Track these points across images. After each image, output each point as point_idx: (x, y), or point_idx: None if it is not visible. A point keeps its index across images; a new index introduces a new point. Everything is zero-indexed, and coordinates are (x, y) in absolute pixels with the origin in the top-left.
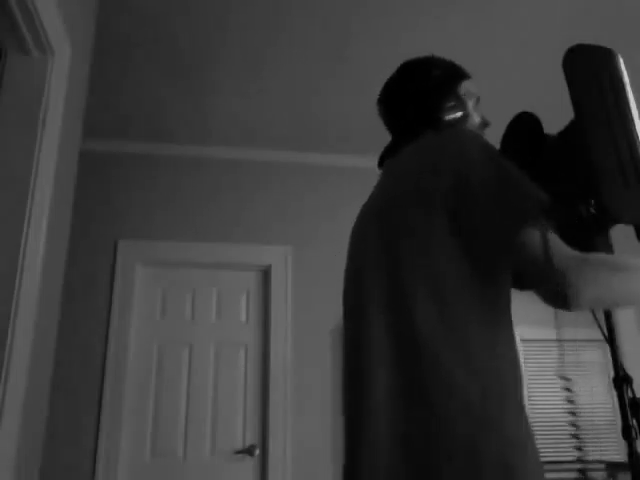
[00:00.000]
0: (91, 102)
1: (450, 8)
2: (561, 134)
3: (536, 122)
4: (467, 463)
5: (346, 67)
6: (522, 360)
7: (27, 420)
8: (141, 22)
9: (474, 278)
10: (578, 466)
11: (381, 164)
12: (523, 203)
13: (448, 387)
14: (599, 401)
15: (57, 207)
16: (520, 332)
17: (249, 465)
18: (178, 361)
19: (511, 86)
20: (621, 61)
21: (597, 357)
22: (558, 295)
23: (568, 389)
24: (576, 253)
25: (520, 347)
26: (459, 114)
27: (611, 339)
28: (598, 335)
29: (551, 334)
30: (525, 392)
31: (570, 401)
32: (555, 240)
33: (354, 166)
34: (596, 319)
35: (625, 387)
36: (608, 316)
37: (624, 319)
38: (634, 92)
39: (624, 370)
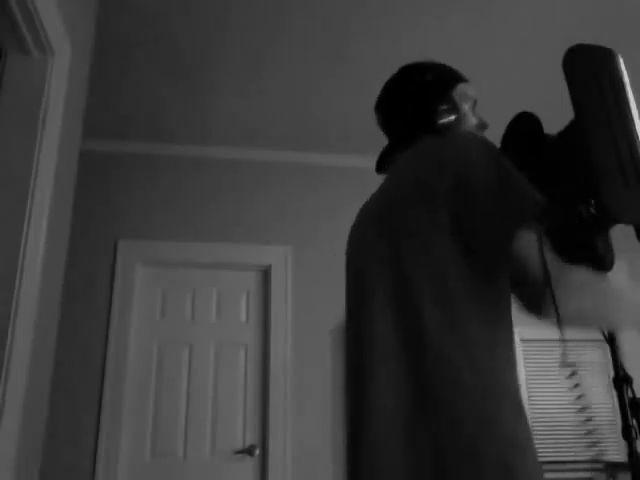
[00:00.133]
0: (91, 102)
1: (450, 8)
2: (561, 134)
3: (536, 122)
4: (469, 463)
5: (346, 67)
6: (521, 360)
7: (27, 420)
8: (141, 22)
9: (475, 278)
10: (580, 466)
11: (378, 168)
12: (522, 204)
13: (454, 386)
14: (599, 401)
15: (57, 207)
16: (520, 332)
17: (249, 465)
18: (178, 361)
19: (511, 86)
20: (621, 61)
21: (597, 357)
22: (533, 301)
23: (574, 373)
24: (563, 266)
25: (520, 347)
26: (453, 117)
27: (611, 339)
28: (598, 335)
29: (551, 334)
30: (525, 392)
31: (576, 385)
32: (546, 248)
33: (354, 166)
34: None
35: (625, 387)
36: None
37: None
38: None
39: (624, 370)
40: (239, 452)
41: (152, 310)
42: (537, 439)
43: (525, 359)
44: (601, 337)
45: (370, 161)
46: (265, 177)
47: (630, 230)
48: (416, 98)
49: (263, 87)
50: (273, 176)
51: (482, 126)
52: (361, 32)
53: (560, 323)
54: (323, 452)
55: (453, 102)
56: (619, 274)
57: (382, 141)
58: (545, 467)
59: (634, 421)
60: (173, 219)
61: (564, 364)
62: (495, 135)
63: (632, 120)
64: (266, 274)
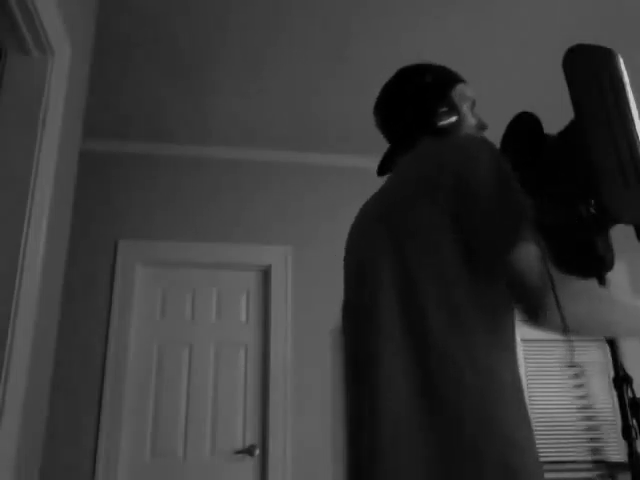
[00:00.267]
0: (91, 102)
1: (450, 8)
2: (561, 134)
3: (536, 122)
4: (470, 463)
5: (346, 67)
6: (521, 360)
7: (27, 420)
8: (141, 22)
9: (477, 279)
10: (580, 466)
11: (380, 172)
12: (520, 206)
13: (457, 387)
14: (599, 401)
15: (57, 207)
16: (520, 332)
17: (249, 465)
18: (178, 361)
19: (511, 86)
20: (621, 61)
21: (597, 357)
22: (529, 310)
23: (579, 373)
24: (560, 275)
25: (520, 347)
26: (454, 119)
27: (611, 339)
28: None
29: (551, 334)
30: (525, 392)
31: (580, 386)
32: (543, 258)
33: (354, 166)
34: None
35: (625, 387)
36: None
37: None
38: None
39: (624, 370)
40: (239, 452)
41: (152, 310)
42: (537, 439)
43: (525, 359)
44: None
45: (370, 161)
46: (265, 177)
47: (630, 230)
48: (416, 100)
49: (263, 87)
50: (273, 176)
51: (481, 127)
52: (361, 32)
53: (565, 328)
54: (323, 452)
55: (453, 103)
56: (619, 278)
57: (382, 141)
58: (545, 467)
59: (634, 421)
60: (173, 219)
61: (569, 364)
62: (495, 135)
63: (632, 120)
64: (266, 274)
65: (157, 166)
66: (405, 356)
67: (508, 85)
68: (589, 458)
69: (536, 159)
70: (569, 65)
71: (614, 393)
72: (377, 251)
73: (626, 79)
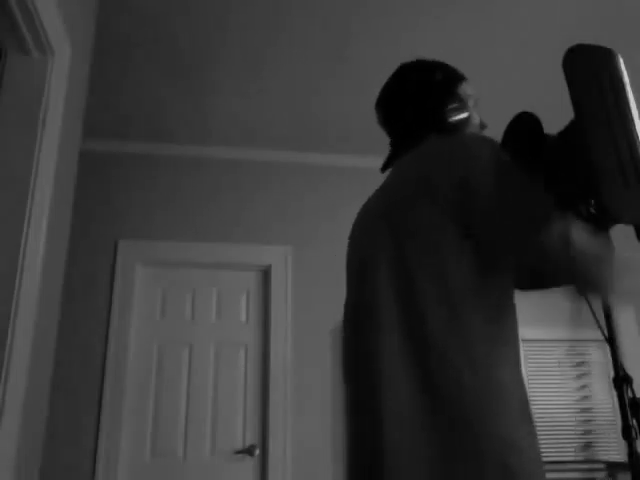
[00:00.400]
0: (91, 102)
1: (450, 8)
2: (561, 134)
3: (536, 122)
4: (471, 463)
5: (346, 67)
6: (522, 360)
7: (27, 420)
8: (141, 22)
9: (478, 278)
10: (580, 466)
11: (384, 168)
12: (541, 202)
13: (456, 386)
14: (599, 401)
15: (57, 207)
16: (520, 332)
17: (249, 465)
18: (178, 361)
19: (511, 86)
20: (621, 61)
21: (597, 357)
22: (584, 287)
23: (579, 376)
24: (595, 246)
25: (520, 347)
26: (464, 115)
27: (611, 339)
28: (598, 335)
29: (551, 334)
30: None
31: (582, 387)
32: (576, 233)
33: (354, 166)
34: (596, 319)
35: (625, 387)
36: (608, 316)
37: (624, 319)
38: (634, 92)
39: (624, 370)
40: (239, 452)
41: (152, 310)
42: (539, 439)
43: (525, 359)
44: (601, 337)
45: (370, 161)
46: (265, 177)
47: (630, 230)
48: (426, 97)
49: (263, 87)
50: (273, 176)
51: (482, 126)
52: (361, 32)
53: (614, 294)
54: (323, 452)
55: (462, 100)
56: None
57: (382, 141)
58: (546, 467)
59: (634, 421)
60: (173, 219)
61: (572, 364)
62: (495, 135)
63: (632, 120)
64: (266, 274)
65: (157, 166)
66: (405, 355)
67: (508, 85)
68: (589, 458)
69: (536, 159)
70: (569, 65)
71: (614, 393)
72: (378, 249)
73: (626, 79)
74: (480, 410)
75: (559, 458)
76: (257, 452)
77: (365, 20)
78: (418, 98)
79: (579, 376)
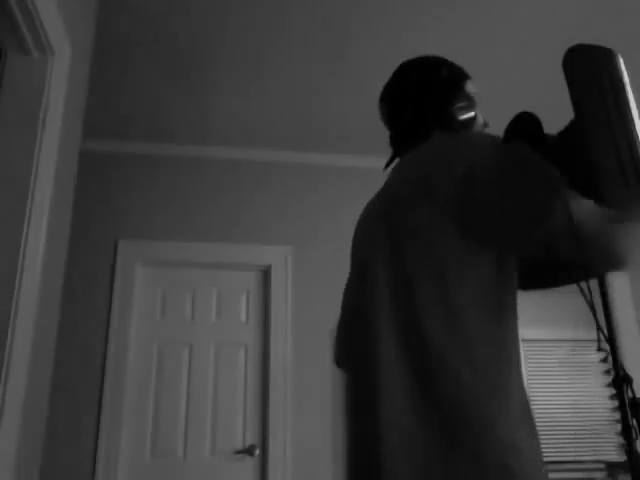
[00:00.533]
0: (91, 102)
1: (450, 8)
2: (561, 134)
3: (536, 122)
4: (472, 463)
5: (346, 67)
6: (522, 360)
7: (27, 420)
8: (141, 22)
9: (477, 278)
10: (580, 466)
11: (387, 166)
12: (544, 184)
13: (455, 386)
14: (599, 401)
15: (57, 207)
16: (520, 332)
17: (249, 465)
18: (178, 361)
19: (511, 86)
20: (621, 61)
21: (597, 357)
22: (586, 267)
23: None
24: (596, 210)
25: (520, 347)
26: (471, 115)
27: (611, 339)
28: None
29: (551, 334)
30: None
31: (581, 385)
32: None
33: (354, 166)
34: (596, 319)
35: (625, 387)
36: (608, 316)
37: (624, 319)
38: (634, 92)
39: (624, 370)
40: (239, 452)
41: (152, 310)
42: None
43: (525, 359)
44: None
45: (370, 161)
46: (265, 177)
47: None
48: (433, 93)
49: (263, 87)
50: (273, 176)
51: (485, 124)
52: (361, 32)
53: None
54: (323, 452)
55: (470, 98)
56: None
57: (382, 141)
58: (546, 467)
59: (634, 421)
60: (173, 219)
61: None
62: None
63: (632, 120)
64: (266, 274)
65: (157, 166)
66: (403, 354)
67: (508, 85)
68: (589, 458)
69: None
70: (569, 65)
71: (614, 393)
72: (377, 250)
73: (626, 79)
74: (480, 410)
75: (559, 458)
76: (257, 452)
77: (365, 20)
78: (422, 95)
79: (579, 376)
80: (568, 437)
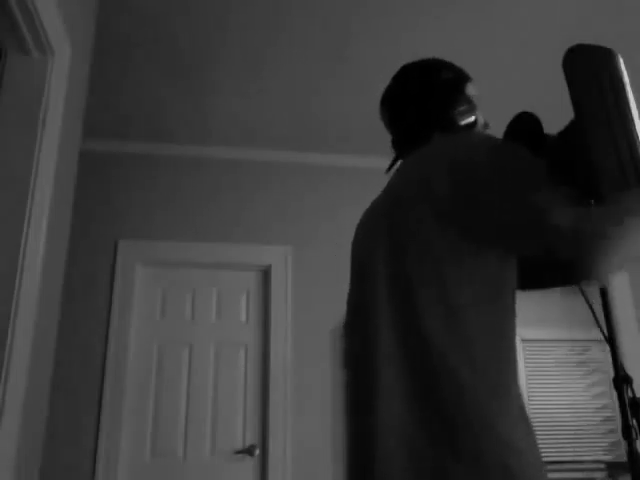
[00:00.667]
0: (91, 102)
1: (450, 8)
2: (561, 134)
3: (536, 122)
4: (471, 463)
5: (346, 67)
6: (521, 360)
7: (27, 420)
8: (141, 22)
9: (476, 279)
10: (577, 466)
11: (389, 169)
12: (532, 174)
13: (454, 387)
14: (599, 401)
15: (57, 207)
16: (520, 332)
17: (249, 465)
18: (178, 361)
19: (511, 86)
20: (621, 61)
21: (597, 357)
22: (586, 268)
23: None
24: (582, 214)
25: (520, 347)
26: (473, 118)
27: (611, 339)
28: (598, 335)
29: (551, 334)
30: (525, 392)
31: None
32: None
33: (354, 166)
34: (596, 319)
35: (625, 387)
36: (608, 316)
37: (624, 319)
38: (634, 92)
39: (624, 370)
40: (239, 452)
41: (152, 310)
42: (537, 439)
43: (525, 359)
44: (601, 337)
45: (370, 161)
46: (265, 177)
47: None
48: (434, 96)
49: (263, 87)
50: (273, 176)
51: (485, 126)
52: (361, 32)
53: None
54: (323, 452)
55: (471, 101)
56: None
57: (382, 141)
58: (545, 467)
59: (634, 421)
60: (173, 219)
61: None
62: (495, 135)
63: (632, 120)
64: (266, 274)
65: (157, 166)
66: (402, 354)
67: (508, 85)
68: (589, 458)
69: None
70: (569, 65)
71: (614, 393)
72: (379, 248)
73: (626, 79)
74: (480, 410)
75: (558, 458)
76: (257, 452)
77: (365, 20)
78: (423, 98)
79: (579, 376)
80: (568, 437)
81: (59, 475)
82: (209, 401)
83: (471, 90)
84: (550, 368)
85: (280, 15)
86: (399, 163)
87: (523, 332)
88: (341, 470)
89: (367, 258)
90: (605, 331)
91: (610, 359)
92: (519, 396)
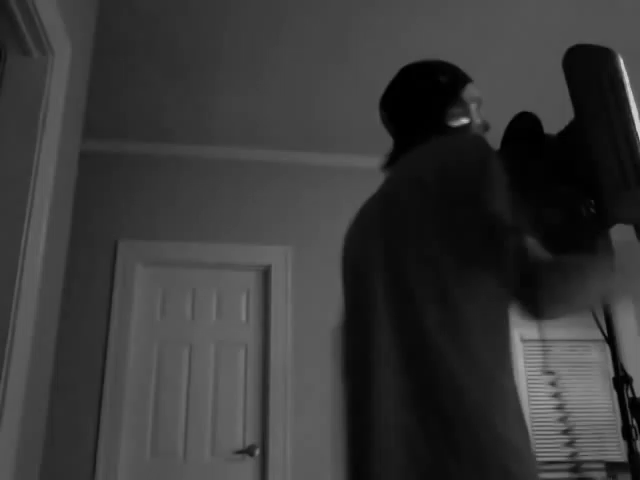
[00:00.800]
0: (91, 102)
1: (450, 8)
2: (561, 134)
3: (536, 122)
4: (471, 463)
5: (346, 67)
6: (521, 360)
7: (27, 420)
8: (141, 22)
9: (473, 282)
10: (577, 466)
11: (385, 168)
12: (502, 213)
13: (452, 391)
14: (599, 401)
15: (57, 207)
16: (520, 332)
17: (249, 465)
18: (178, 361)
19: (511, 86)
20: (621, 61)
21: (597, 357)
22: (527, 305)
23: (553, 384)
24: (543, 260)
25: (520, 347)
26: (465, 121)
27: (611, 339)
28: (598, 335)
29: (551, 334)
30: (525, 392)
31: (555, 395)
32: (524, 249)
33: (354, 166)
34: (596, 319)
35: (625, 387)
36: (608, 316)
37: (624, 319)
38: (634, 92)
39: (624, 370)
40: (239, 452)
41: (152, 310)
42: (537, 439)
43: (525, 359)
44: (601, 337)
45: (370, 161)
46: (265, 177)
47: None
48: (429, 100)
49: (263, 87)
50: (273, 176)
51: (485, 127)
52: (361, 32)
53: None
54: (323, 452)
55: (465, 104)
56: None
57: (382, 141)
58: (544, 467)
59: (634, 421)
60: (173, 219)
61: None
62: (495, 135)
63: (632, 120)
64: (266, 274)
65: (157, 166)
66: (399, 355)
67: (508, 85)
68: (589, 458)
69: (536, 159)
70: (569, 65)
71: (614, 393)
72: (374, 249)
73: (626, 79)
74: (479, 410)
75: (558, 458)
76: (257, 452)
77: (365, 20)
78: (418, 100)
79: (579, 376)
80: (567, 437)
81: (59, 475)
82: (209, 401)
83: (469, 92)
84: (550, 368)
85: (280, 15)
86: (394, 165)
87: (523, 332)
88: (340, 470)
89: (363, 259)
90: (605, 331)
91: (610, 359)
92: (516, 394)
